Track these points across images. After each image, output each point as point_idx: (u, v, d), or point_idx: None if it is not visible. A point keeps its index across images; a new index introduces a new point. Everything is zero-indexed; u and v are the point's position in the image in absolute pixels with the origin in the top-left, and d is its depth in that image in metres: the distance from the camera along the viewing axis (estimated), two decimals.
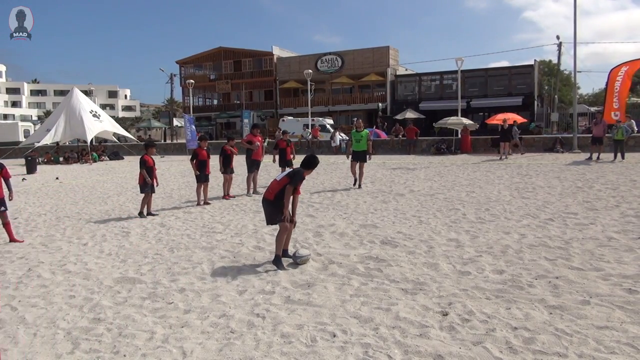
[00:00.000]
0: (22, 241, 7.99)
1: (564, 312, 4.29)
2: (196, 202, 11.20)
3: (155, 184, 10.04)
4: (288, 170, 6.38)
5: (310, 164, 6.16)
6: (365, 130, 13.19)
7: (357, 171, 12.90)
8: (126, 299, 5.10)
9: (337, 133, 29.89)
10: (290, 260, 6.12)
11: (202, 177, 11.13)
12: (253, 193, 12.42)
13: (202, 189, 11.20)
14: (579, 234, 7.02)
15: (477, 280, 5.21)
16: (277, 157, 13.71)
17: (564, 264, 5.63)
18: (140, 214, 9.88)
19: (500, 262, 5.82)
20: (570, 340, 3.76)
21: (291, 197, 6.02)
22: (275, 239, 6.19)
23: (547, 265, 5.64)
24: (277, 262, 5.99)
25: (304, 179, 6.14)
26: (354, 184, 13.03)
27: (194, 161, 11.02)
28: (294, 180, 5.94)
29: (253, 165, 12.43)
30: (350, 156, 13.10)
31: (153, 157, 10.16)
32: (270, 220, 6.18)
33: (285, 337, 4.03)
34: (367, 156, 12.85)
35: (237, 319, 4.45)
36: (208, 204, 11.12)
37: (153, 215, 9.89)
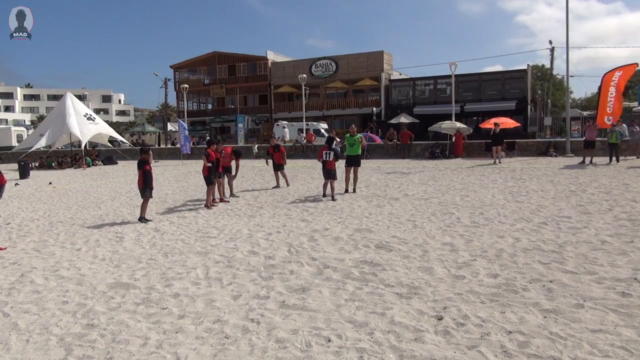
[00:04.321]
0: (5, 248, 7.86)
1: (558, 316, 4.30)
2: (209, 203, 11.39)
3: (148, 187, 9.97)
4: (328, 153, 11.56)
5: (331, 139, 12.01)
6: (358, 134, 13.22)
7: (352, 176, 12.85)
8: (120, 305, 5.07)
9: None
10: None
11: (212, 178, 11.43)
12: (230, 196, 12.76)
13: (213, 190, 11.53)
14: (572, 238, 7.06)
15: (472, 284, 5.22)
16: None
17: (557, 268, 5.66)
18: (143, 219, 9.76)
19: (495, 266, 5.84)
20: (564, 343, 3.77)
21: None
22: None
23: (541, 269, 5.66)
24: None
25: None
26: (345, 192, 12.86)
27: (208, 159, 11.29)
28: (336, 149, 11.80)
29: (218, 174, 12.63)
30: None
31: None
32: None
33: (280, 342, 4.01)
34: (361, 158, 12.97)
35: (231, 324, 4.43)
36: (209, 207, 11.22)
37: (147, 221, 9.83)
